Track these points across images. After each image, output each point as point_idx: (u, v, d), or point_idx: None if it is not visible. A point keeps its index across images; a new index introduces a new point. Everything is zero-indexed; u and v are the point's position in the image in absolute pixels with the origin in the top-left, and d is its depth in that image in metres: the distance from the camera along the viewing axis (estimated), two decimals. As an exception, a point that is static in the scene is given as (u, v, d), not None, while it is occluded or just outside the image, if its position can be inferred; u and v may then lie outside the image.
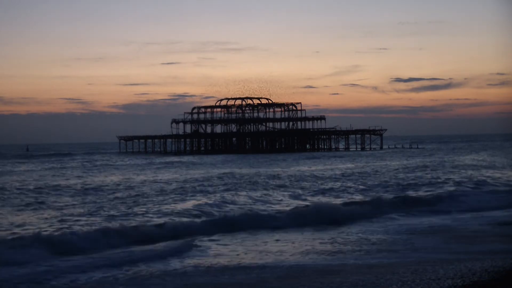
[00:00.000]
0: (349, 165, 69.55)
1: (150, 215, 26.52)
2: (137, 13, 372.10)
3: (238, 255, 18.36)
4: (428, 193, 35.59)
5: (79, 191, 39.98)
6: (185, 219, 25.37)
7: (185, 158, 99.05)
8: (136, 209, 29.06)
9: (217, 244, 20.37)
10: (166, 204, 31.25)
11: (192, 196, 35.65)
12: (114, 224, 23.40)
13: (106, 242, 19.88)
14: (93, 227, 22.64)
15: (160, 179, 50.30)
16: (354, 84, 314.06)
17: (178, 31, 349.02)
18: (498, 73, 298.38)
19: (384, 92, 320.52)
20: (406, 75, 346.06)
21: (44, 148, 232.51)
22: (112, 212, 27.93)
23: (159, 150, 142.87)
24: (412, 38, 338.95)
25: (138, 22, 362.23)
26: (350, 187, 41.08)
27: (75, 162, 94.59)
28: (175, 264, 17.00)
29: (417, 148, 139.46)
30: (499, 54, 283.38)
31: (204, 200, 32.56)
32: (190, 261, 17.37)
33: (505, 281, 13.60)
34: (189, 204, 30.63)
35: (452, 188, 38.07)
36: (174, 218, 25.47)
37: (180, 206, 29.66)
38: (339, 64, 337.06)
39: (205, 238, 21.45)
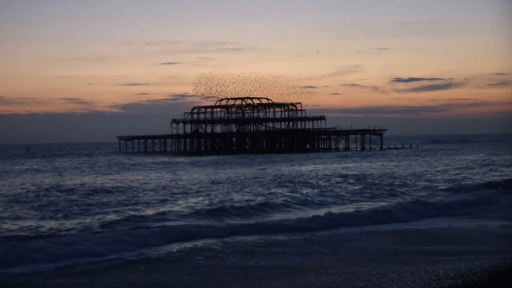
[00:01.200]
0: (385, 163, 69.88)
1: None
2: (137, 13, 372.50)
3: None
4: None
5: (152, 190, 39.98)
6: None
7: (206, 158, 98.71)
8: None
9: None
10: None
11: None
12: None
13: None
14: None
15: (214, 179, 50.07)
16: (354, 84, 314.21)
17: (178, 31, 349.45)
18: (498, 73, 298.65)
19: (384, 92, 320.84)
20: (406, 75, 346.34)
21: (44, 148, 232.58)
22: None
23: (159, 150, 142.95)
24: (412, 38, 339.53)
25: (138, 22, 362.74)
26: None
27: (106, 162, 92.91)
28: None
29: (417, 147, 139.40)
30: (499, 54, 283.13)
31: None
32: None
33: (505, 281, 13.62)
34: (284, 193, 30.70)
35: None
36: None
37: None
38: (339, 64, 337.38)
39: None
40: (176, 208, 29.00)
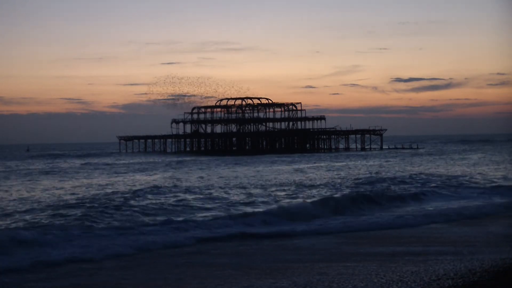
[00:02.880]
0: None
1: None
2: (137, 13, 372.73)
3: None
4: None
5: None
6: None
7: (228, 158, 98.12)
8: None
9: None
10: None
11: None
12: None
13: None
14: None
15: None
16: (354, 84, 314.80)
17: (178, 31, 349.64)
18: (498, 73, 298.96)
19: (384, 92, 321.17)
20: (406, 75, 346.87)
21: (44, 148, 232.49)
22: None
23: (159, 150, 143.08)
24: (412, 38, 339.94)
25: (138, 22, 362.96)
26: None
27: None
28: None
29: (417, 148, 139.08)
30: (499, 54, 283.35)
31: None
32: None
33: (505, 281, 13.62)
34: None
35: None
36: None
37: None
38: (339, 64, 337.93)
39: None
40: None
